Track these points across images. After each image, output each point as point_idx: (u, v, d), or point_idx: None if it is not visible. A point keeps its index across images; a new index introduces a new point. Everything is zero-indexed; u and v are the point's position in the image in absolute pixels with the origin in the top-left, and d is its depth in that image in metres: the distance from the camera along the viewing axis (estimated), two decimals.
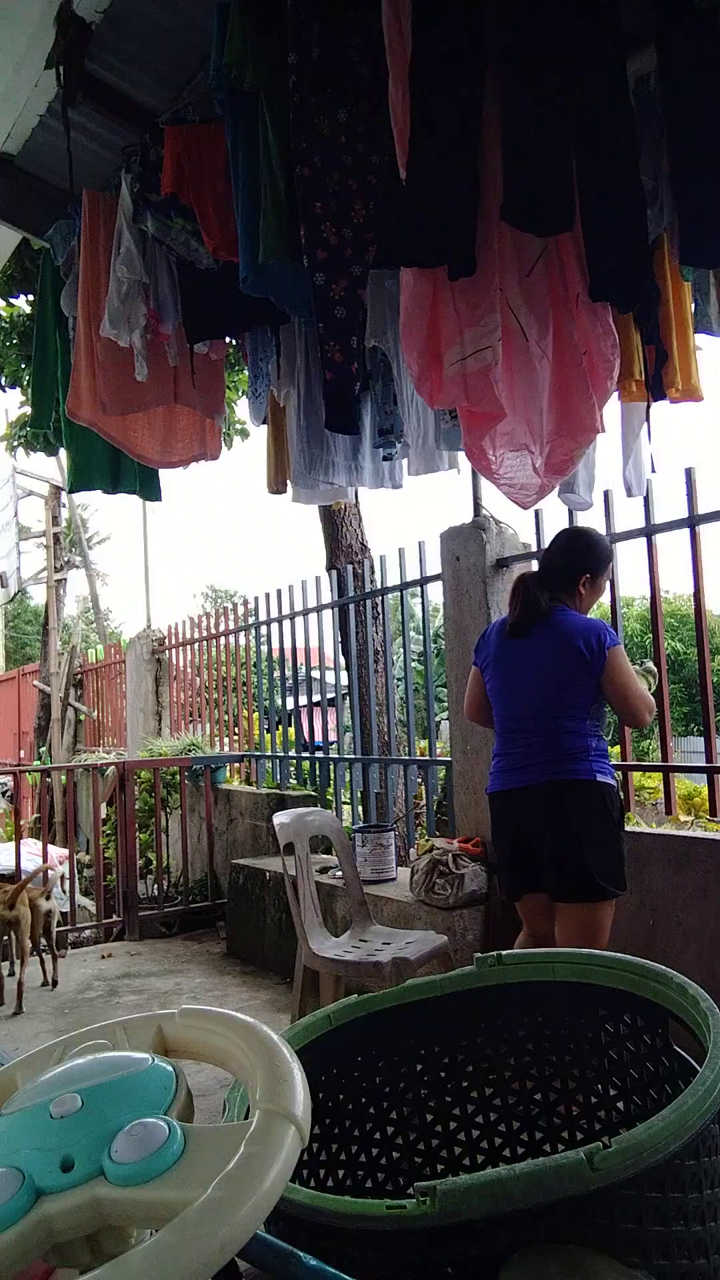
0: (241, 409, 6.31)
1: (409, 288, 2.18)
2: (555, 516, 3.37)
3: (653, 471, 2.96)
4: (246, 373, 3.74)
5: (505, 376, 2.15)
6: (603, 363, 2.32)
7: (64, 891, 5.19)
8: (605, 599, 3.06)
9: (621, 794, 2.50)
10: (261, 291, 2.60)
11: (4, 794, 9.26)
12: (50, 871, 4.93)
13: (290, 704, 5.43)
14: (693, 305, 2.75)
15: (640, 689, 2.46)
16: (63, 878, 5.28)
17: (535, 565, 3.45)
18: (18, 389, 5.93)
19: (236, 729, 6.25)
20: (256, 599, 5.76)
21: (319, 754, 5.18)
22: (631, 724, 2.54)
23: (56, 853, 5.89)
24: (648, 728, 2.71)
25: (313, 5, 2.25)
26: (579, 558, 2.59)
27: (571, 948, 2.26)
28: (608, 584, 2.68)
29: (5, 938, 4.02)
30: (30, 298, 4.91)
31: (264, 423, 3.80)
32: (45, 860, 5.18)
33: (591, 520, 3.29)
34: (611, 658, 2.41)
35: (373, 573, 4.53)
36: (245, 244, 2.51)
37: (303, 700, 5.40)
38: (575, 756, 2.41)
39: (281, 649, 5.46)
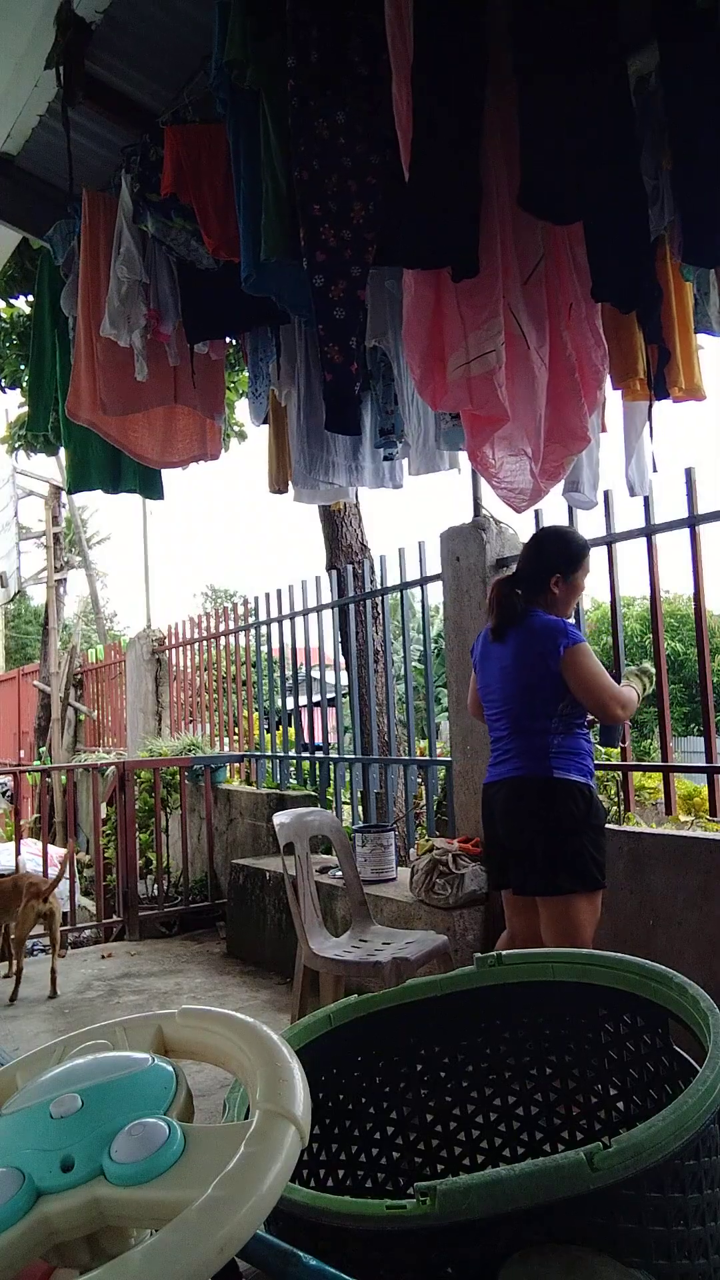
0: (241, 409, 6.31)
1: (411, 291, 2.18)
2: (556, 516, 3.37)
3: (654, 471, 2.96)
4: (246, 373, 3.74)
5: (507, 381, 2.15)
6: (593, 372, 2.33)
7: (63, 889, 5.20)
8: (605, 599, 3.06)
9: (591, 791, 2.44)
10: (263, 291, 2.60)
11: (4, 794, 9.26)
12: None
13: (290, 704, 5.43)
14: (693, 304, 2.75)
15: (606, 684, 2.45)
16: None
17: None
18: (18, 389, 5.93)
19: (236, 729, 6.25)
20: (256, 599, 5.76)
21: (319, 754, 5.18)
22: (603, 720, 2.51)
23: (56, 853, 5.90)
24: (629, 723, 2.69)
25: (311, 8, 2.25)
26: (549, 558, 2.59)
27: (556, 945, 2.34)
28: (585, 581, 2.63)
29: (38, 927, 4.11)
30: (30, 298, 4.92)
31: (264, 423, 3.80)
32: (45, 860, 5.19)
33: (592, 520, 3.30)
34: (569, 657, 2.42)
35: (373, 573, 4.53)
36: (247, 243, 2.51)
37: (303, 700, 5.40)
38: (536, 755, 2.46)
39: (281, 649, 5.46)
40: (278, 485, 3.85)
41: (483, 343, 2.11)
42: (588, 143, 2.05)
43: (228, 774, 5.92)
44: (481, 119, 2.08)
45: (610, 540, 3.15)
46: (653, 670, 2.70)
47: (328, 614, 5.00)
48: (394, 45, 2.05)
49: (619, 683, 2.55)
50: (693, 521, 2.88)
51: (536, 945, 2.47)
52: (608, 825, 3.04)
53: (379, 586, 4.46)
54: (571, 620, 2.59)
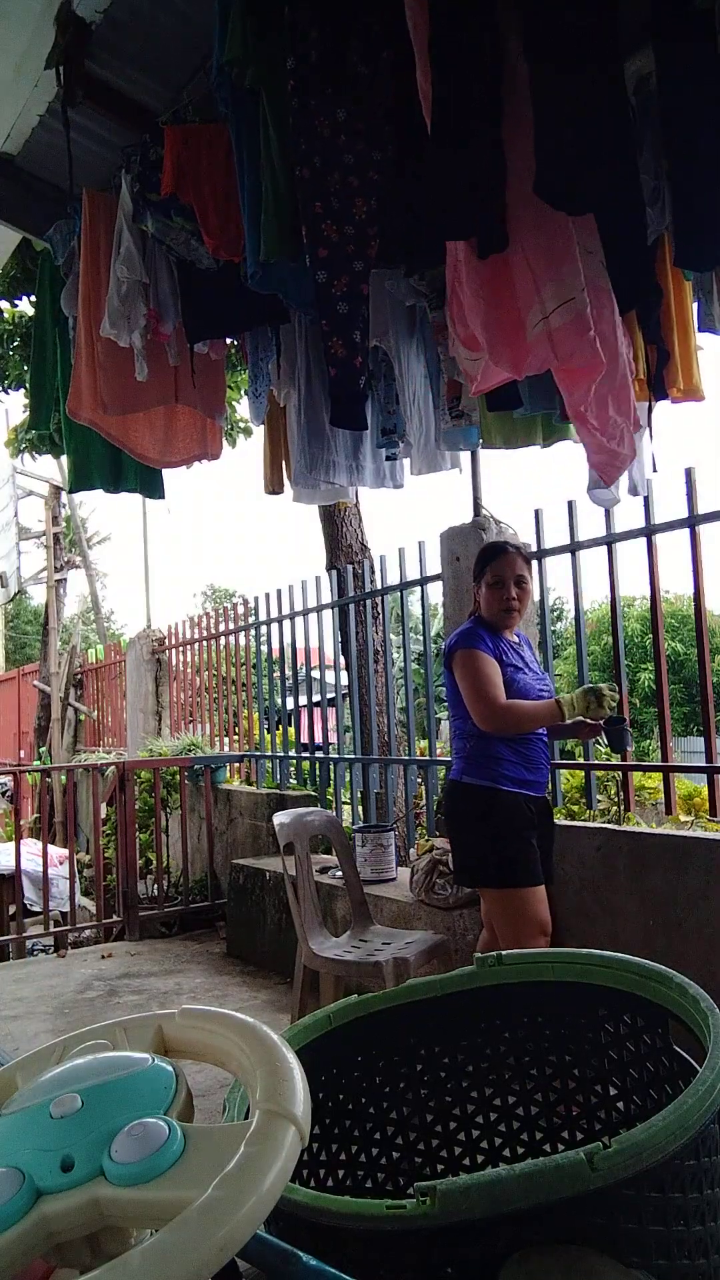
0: (242, 409, 6.31)
1: (463, 264, 2.08)
2: (556, 516, 3.37)
3: (654, 470, 2.96)
4: (246, 373, 3.74)
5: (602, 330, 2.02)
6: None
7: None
8: (605, 599, 3.06)
9: (490, 794, 2.52)
10: (268, 288, 2.60)
11: (4, 794, 9.26)
12: None
13: (290, 704, 5.43)
14: (695, 304, 2.75)
15: (477, 692, 2.51)
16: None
17: (535, 564, 3.46)
18: (21, 391, 5.93)
19: (236, 729, 6.25)
20: (256, 599, 5.76)
21: (319, 754, 5.18)
22: (480, 726, 2.55)
23: (56, 853, 5.89)
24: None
25: (310, 10, 2.24)
26: (472, 571, 2.78)
27: (495, 933, 2.51)
28: (496, 582, 2.65)
29: None
30: (32, 299, 4.91)
31: (264, 423, 3.80)
32: (45, 860, 5.18)
33: (592, 520, 3.29)
34: (452, 663, 2.61)
35: (373, 573, 4.52)
36: (251, 240, 2.51)
37: (303, 700, 5.40)
38: (457, 758, 2.67)
39: (281, 649, 5.45)
40: (272, 486, 3.85)
41: (560, 293, 1.99)
42: (587, 141, 2.04)
43: (228, 774, 5.92)
44: (499, 84, 2.02)
45: (610, 540, 3.15)
46: (603, 689, 2.57)
47: (328, 614, 5.00)
48: (414, 23, 2.01)
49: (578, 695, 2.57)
50: (693, 521, 2.88)
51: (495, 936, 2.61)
52: (608, 825, 3.05)
53: (379, 586, 4.45)
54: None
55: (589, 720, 2.61)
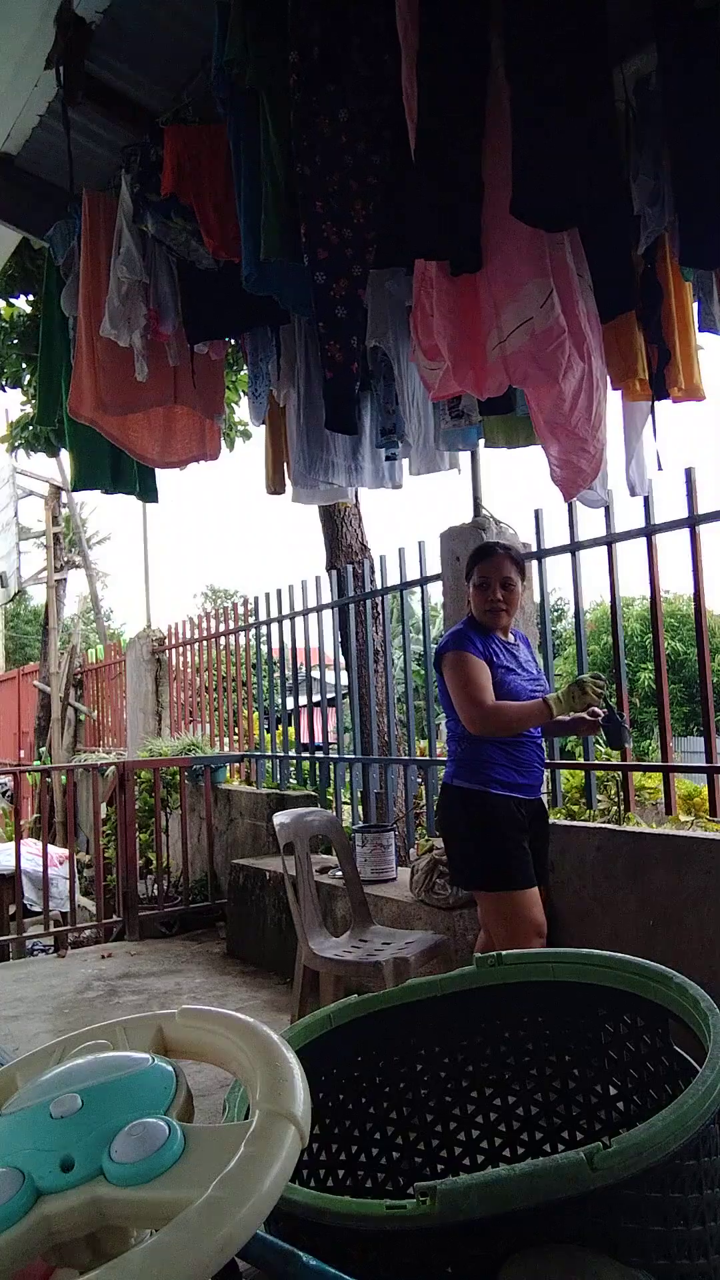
0: (242, 410, 6.31)
1: (436, 284, 2.11)
2: (555, 515, 3.37)
3: (660, 469, 2.96)
4: (246, 373, 3.74)
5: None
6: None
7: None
8: (605, 599, 3.06)
9: (479, 797, 2.53)
10: (265, 290, 2.60)
11: (4, 794, 9.26)
12: None
13: (290, 704, 5.43)
14: (695, 304, 2.75)
15: (464, 697, 2.52)
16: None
17: (534, 564, 3.46)
18: (19, 389, 5.92)
19: (236, 729, 6.25)
20: (256, 599, 5.76)
21: (319, 754, 5.18)
22: (468, 729, 2.55)
23: (56, 853, 5.89)
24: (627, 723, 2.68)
25: (313, 4, 2.24)
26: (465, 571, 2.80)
27: (490, 935, 2.52)
28: (483, 582, 2.67)
29: None
30: (30, 298, 4.91)
31: (264, 423, 3.80)
32: (45, 860, 5.18)
33: (592, 520, 3.29)
34: (442, 665, 2.62)
35: (373, 573, 4.52)
36: (248, 242, 2.51)
37: (303, 700, 5.40)
38: (450, 762, 2.68)
39: (281, 649, 5.45)
40: (274, 486, 3.85)
41: (520, 311, 2.01)
42: (568, 158, 2.03)
43: (228, 774, 5.92)
44: (483, 111, 2.05)
45: (610, 540, 3.15)
46: (585, 679, 2.57)
47: (328, 614, 5.00)
48: (405, 35, 2.03)
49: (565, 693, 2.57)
50: (693, 521, 2.88)
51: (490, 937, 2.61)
52: (608, 825, 3.05)
53: (379, 586, 4.45)
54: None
55: (585, 716, 2.61)
